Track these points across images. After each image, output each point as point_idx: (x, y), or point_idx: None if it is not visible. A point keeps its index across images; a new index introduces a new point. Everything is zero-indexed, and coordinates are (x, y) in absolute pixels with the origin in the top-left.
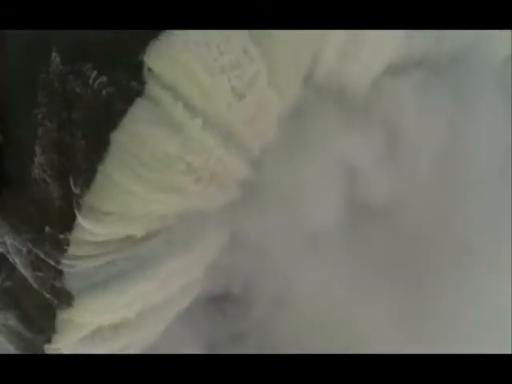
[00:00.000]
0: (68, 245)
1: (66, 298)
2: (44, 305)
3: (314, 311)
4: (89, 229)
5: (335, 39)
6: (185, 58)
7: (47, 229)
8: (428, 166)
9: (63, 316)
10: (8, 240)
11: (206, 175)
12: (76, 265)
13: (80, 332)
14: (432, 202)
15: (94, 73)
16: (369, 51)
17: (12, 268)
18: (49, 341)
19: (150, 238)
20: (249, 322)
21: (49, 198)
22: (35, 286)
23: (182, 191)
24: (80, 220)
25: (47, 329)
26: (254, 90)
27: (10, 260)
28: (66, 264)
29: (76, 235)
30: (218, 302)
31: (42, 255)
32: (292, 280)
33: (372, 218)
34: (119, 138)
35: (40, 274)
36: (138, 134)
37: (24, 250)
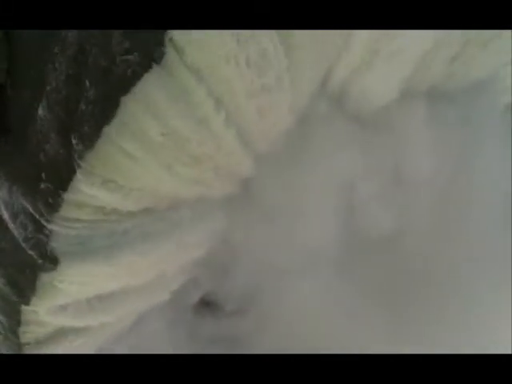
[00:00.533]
0: (61, 205)
1: (51, 261)
2: (29, 265)
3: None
4: (85, 191)
5: (352, 53)
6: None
7: (42, 185)
8: (431, 196)
9: (45, 278)
10: (0, 193)
11: (224, 170)
12: (68, 227)
13: (62, 299)
14: (433, 231)
15: (117, 35)
16: (382, 71)
17: (5, 227)
18: (27, 303)
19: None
20: (236, 330)
21: (48, 153)
22: (23, 244)
23: (200, 182)
24: (77, 181)
25: (28, 290)
26: (276, 113)
27: (3, 217)
28: (57, 224)
29: (71, 196)
30: (206, 307)
31: (33, 213)
32: (284, 293)
33: (370, 243)
34: (130, 103)
35: (29, 233)
36: (152, 104)
37: (15, 205)
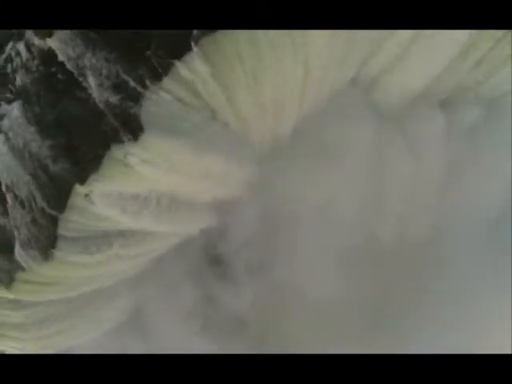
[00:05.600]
0: (168, 74)
1: (134, 129)
2: (103, 134)
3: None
4: (194, 69)
5: (387, 49)
6: None
7: (151, 53)
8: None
9: (117, 153)
10: (87, 61)
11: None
12: (165, 98)
13: (125, 183)
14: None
15: None
16: (412, 69)
17: (85, 95)
18: (83, 180)
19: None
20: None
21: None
22: (105, 110)
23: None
24: (191, 56)
25: (90, 165)
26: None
27: (82, 82)
28: (155, 93)
29: (180, 68)
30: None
31: (129, 79)
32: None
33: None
34: None
35: (118, 98)
36: None
37: (105, 70)
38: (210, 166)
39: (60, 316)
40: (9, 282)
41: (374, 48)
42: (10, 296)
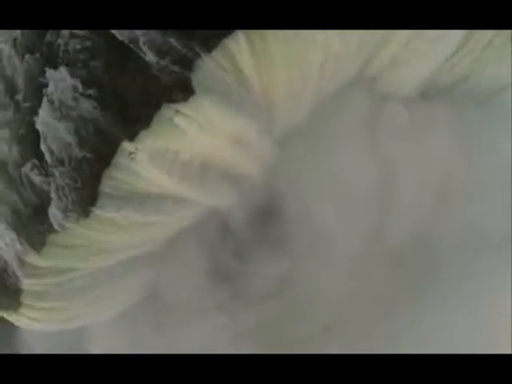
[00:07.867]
0: (216, 47)
1: (187, 90)
2: (154, 94)
3: None
4: (233, 50)
5: (389, 49)
6: None
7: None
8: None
9: (167, 112)
10: (139, 32)
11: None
12: (215, 66)
13: (172, 144)
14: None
15: None
16: (414, 65)
17: (124, 56)
18: (133, 137)
19: None
20: None
21: None
22: (158, 74)
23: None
24: (238, 34)
25: (140, 122)
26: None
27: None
28: (206, 61)
29: (228, 43)
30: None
31: (182, 49)
32: None
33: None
34: None
35: (172, 64)
36: None
37: (158, 40)
38: (242, 135)
39: (87, 285)
40: (41, 246)
41: (379, 44)
42: (40, 262)
